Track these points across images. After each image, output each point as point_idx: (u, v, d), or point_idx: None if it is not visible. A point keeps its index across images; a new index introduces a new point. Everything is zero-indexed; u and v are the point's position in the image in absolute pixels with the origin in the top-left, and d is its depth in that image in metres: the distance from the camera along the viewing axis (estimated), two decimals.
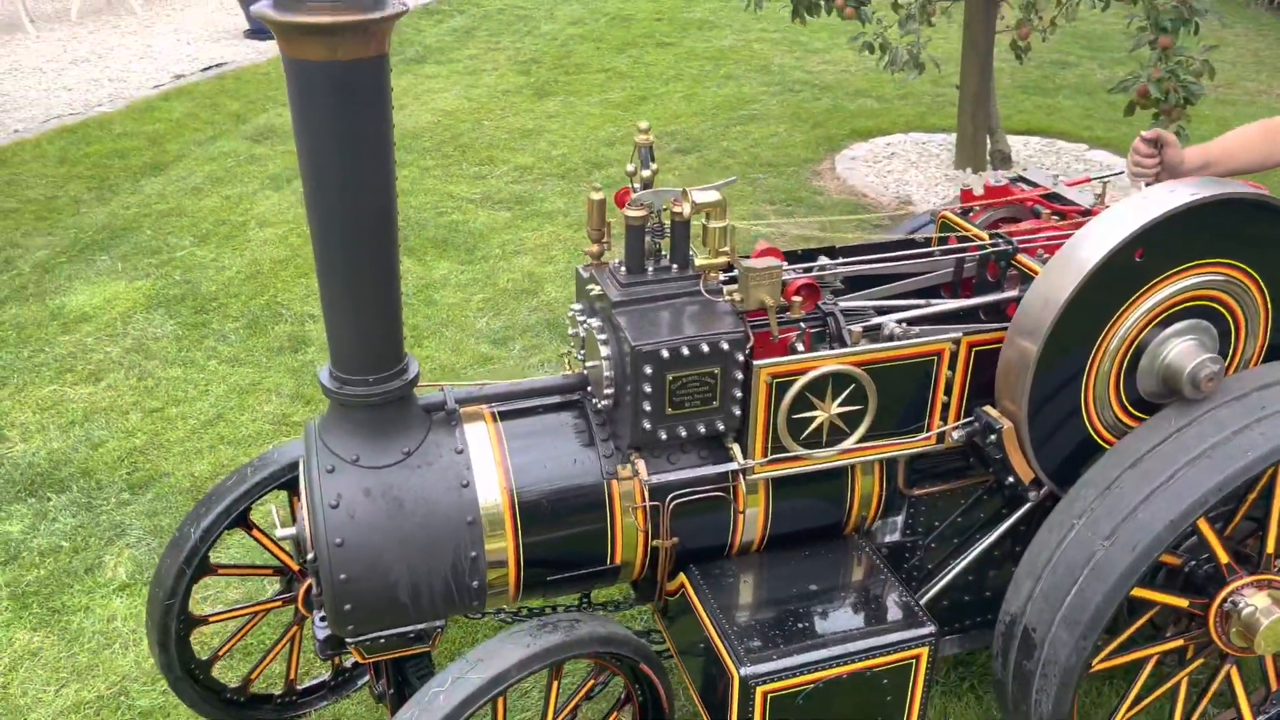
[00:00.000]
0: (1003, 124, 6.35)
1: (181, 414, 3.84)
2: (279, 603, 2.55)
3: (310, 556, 2.01)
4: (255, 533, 2.45)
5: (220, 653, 2.51)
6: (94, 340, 4.32)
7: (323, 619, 2.09)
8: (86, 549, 3.21)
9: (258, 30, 8.84)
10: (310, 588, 2.22)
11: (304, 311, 4.56)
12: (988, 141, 5.93)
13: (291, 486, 2.39)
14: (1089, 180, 2.63)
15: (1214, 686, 2.26)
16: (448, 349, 4.29)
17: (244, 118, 6.97)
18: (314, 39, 1.62)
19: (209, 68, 8.02)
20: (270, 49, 8.50)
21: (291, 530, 2.11)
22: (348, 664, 2.73)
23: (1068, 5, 5.16)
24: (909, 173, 6.03)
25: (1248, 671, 2.43)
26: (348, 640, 2.04)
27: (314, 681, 2.69)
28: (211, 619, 2.47)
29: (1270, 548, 2.12)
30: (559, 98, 7.54)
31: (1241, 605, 2.08)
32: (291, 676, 2.61)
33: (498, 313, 4.58)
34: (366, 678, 2.69)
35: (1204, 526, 2.04)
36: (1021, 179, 2.66)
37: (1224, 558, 2.09)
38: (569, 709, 2.04)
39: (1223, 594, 2.09)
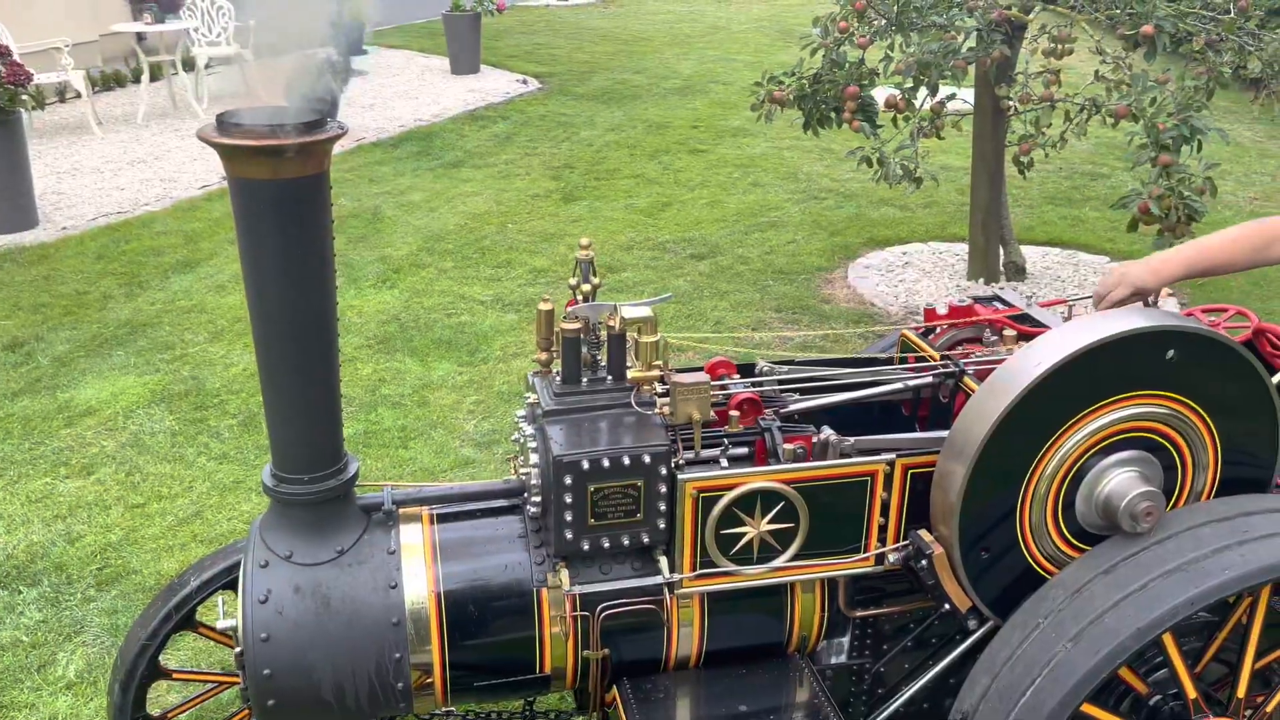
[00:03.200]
0: (1021, 235, 6.30)
1: (161, 510, 3.91)
2: (237, 679, 2.53)
3: (238, 650, 2.04)
4: None
5: (171, 714, 2.51)
6: (93, 434, 4.44)
7: None
8: (44, 645, 3.24)
9: None
10: None
11: None
12: (1001, 253, 5.87)
13: None
14: (1064, 302, 2.61)
15: None
16: (432, 451, 4.31)
17: None
18: (257, 160, 1.74)
19: None
20: None
21: (232, 621, 2.13)
22: None
23: (1078, 121, 5.14)
24: (921, 282, 5.98)
25: None
26: None
27: None
28: (176, 675, 2.49)
29: (1241, 691, 2.00)
30: (585, 202, 7.70)
31: None
32: None
33: (488, 415, 4.60)
34: None
35: (1171, 646, 1.94)
36: (997, 298, 2.65)
37: (1191, 692, 1.98)
38: None
39: None
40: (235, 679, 2.50)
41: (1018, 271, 5.88)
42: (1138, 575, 1.91)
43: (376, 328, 5.53)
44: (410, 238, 6.90)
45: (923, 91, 4.92)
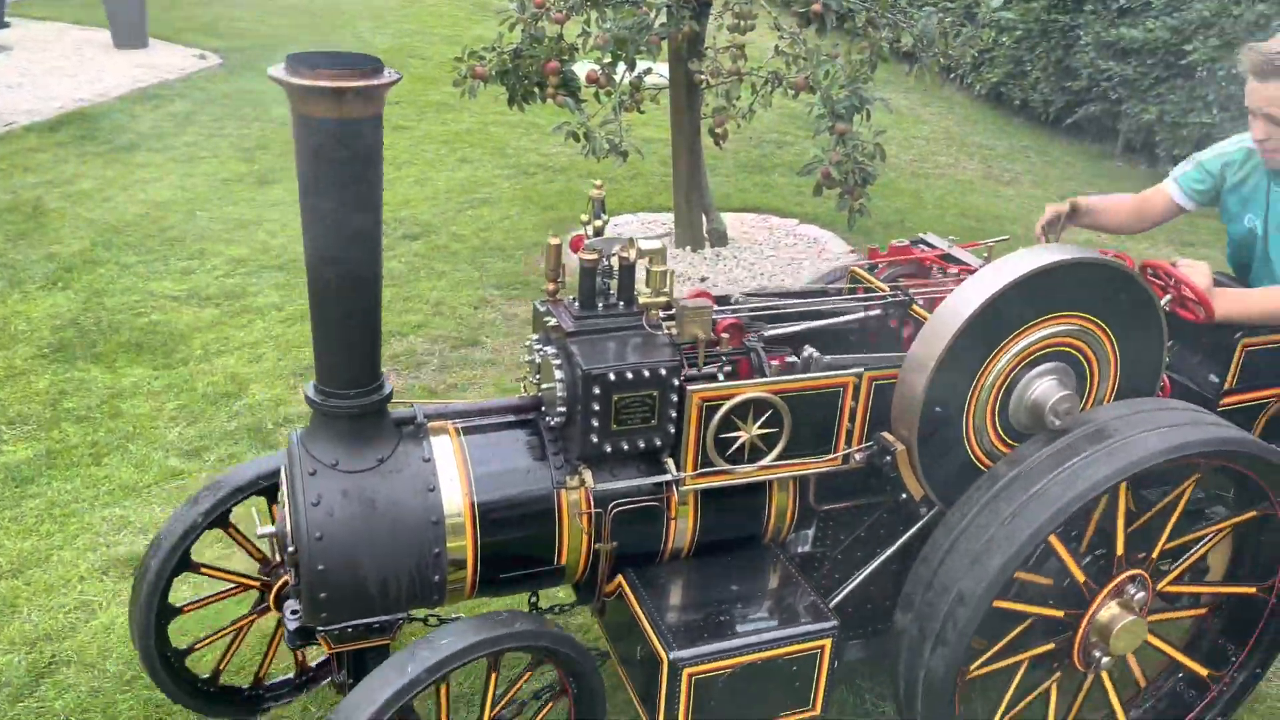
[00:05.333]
0: (721, 203, 6.66)
1: None
2: (256, 583, 2.79)
3: (291, 549, 2.23)
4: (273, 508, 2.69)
5: (187, 608, 2.72)
6: None
7: (294, 612, 2.36)
8: None
9: None
10: (282, 587, 2.60)
11: None
12: (704, 220, 6.18)
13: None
14: (979, 245, 3.03)
15: (1085, 688, 2.59)
16: (131, 466, 3.93)
17: None
18: (323, 99, 1.92)
19: None
20: None
21: (271, 529, 2.37)
22: (313, 663, 2.95)
23: (764, 94, 5.48)
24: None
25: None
26: (318, 629, 2.26)
27: (281, 679, 2.93)
28: (204, 570, 2.70)
29: (1156, 552, 2.44)
30: (284, 185, 7.25)
31: (1099, 615, 2.43)
32: (222, 664, 2.80)
33: (193, 421, 4.26)
34: (329, 678, 2.91)
35: (1057, 544, 2.33)
36: (923, 241, 3.01)
37: (1080, 576, 2.39)
38: (507, 699, 2.36)
39: (1094, 604, 2.42)
40: (254, 581, 2.78)
41: (720, 237, 6.22)
42: (1123, 429, 2.33)
43: (50, 334, 4.94)
44: (82, 231, 6.20)
45: (621, 66, 5.05)
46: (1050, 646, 2.46)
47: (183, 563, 2.58)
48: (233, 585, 2.79)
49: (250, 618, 2.80)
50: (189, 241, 6.15)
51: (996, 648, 2.40)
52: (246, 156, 7.80)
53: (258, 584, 2.79)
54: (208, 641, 2.78)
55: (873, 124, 5.04)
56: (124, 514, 3.66)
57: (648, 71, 5.24)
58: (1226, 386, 2.78)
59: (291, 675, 2.94)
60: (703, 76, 5.21)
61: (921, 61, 5.48)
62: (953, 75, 11.32)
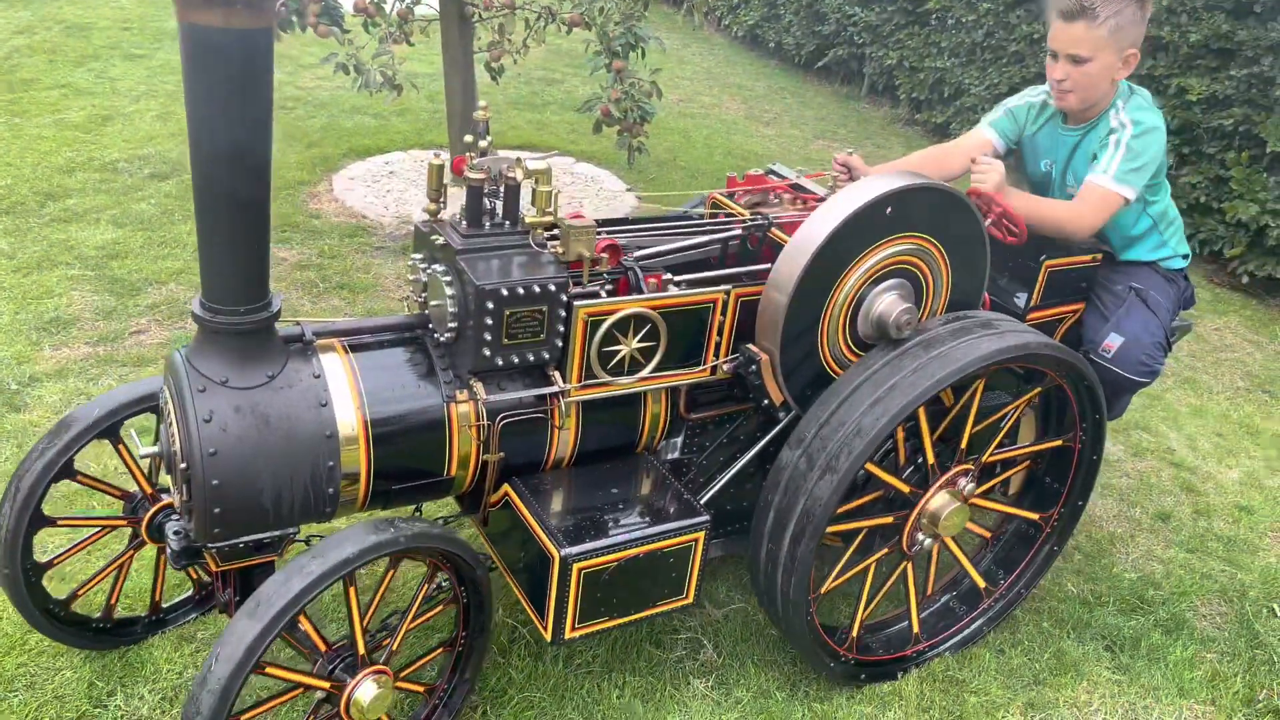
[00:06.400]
0: (496, 139, 6.55)
1: None
2: (124, 521, 2.72)
3: (183, 466, 2.18)
4: (121, 449, 2.66)
5: (57, 560, 2.67)
6: None
7: (176, 533, 2.36)
8: None
9: None
10: (153, 516, 2.61)
11: None
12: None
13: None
14: (821, 175, 3.23)
15: (935, 557, 2.99)
16: None
17: None
18: (211, 8, 1.87)
19: None
20: None
21: (155, 449, 2.36)
22: (208, 579, 2.88)
23: (537, 29, 5.43)
24: (409, 191, 5.99)
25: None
26: (209, 546, 2.24)
27: (181, 598, 2.92)
28: (60, 522, 2.64)
29: (963, 442, 2.76)
30: (1, 120, 6.45)
31: (931, 504, 2.77)
32: (113, 599, 2.74)
33: None
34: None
35: (875, 469, 2.62)
36: (772, 172, 3.16)
37: (931, 457, 2.72)
38: (417, 605, 2.40)
39: (927, 495, 2.76)
40: (120, 521, 2.72)
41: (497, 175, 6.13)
42: (962, 334, 2.61)
43: None
44: None
45: None
46: (891, 519, 2.80)
47: (38, 518, 2.51)
48: (97, 529, 2.73)
49: (128, 554, 2.76)
50: None
51: (853, 547, 2.76)
52: None
53: (125, 523, 2.72)
54: (88, 586, 2.72)
55: (648, 62, 5.12)
56: None
57: (417, 2, 5.06)
58: (1032, 304, 3.12)
59: (190, 593, 2.93)
60: (474, 9, 5.09)
61: (691, 2, 5.61)
62: (711, 15, 11.63)
